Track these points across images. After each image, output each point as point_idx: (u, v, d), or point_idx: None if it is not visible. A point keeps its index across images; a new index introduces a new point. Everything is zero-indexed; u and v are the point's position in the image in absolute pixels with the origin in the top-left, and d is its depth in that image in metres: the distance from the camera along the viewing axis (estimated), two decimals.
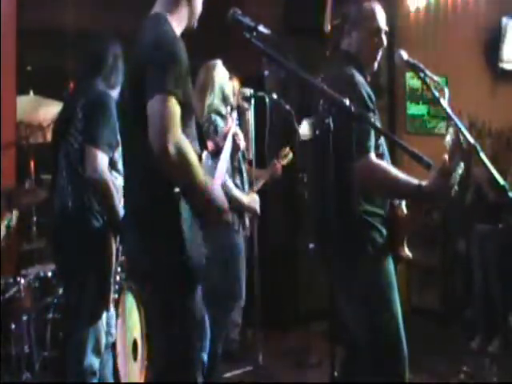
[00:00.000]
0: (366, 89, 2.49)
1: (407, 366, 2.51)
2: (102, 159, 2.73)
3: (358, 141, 2.35)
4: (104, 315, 2.88)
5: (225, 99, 3.66)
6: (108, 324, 3.01)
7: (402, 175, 2.42)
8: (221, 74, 3.69)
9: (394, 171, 2.42)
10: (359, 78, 2.52)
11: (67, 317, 3.03)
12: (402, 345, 2.50)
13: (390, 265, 2.53)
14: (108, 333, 3.03)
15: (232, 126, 2.86)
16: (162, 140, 1.96)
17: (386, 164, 2.47)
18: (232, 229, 3.59)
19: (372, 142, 2.41)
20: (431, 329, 5.16)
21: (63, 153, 2.89)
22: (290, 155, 4.70)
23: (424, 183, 2.36)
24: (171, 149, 1.96)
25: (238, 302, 3.72)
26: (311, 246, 2.72)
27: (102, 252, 2.81)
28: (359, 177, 2.38)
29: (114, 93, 2.99)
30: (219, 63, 3.74)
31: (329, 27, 4.44)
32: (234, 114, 2.96)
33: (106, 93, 2.90)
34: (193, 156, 2.03)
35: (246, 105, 4.05)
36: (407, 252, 2.58)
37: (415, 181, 2.41)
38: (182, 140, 2.00)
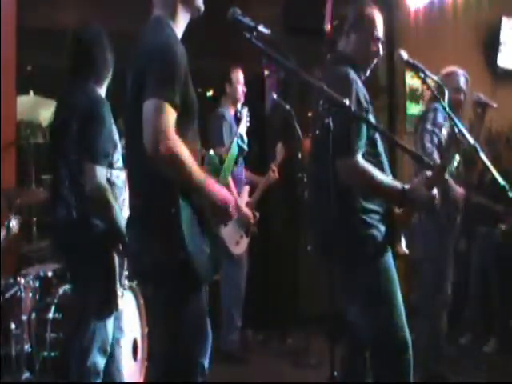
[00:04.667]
0: (360, 87, 2.50)
1: (412, 361, 2.52)
2: (100, 172, 2.72)
3: (346, 140, 2.38)
4: (112, 317, 2.89)
5: None
6: (118, 319, 3.02)
7: (385, 180, 2.47)
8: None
9: (378, 175, 2.47)
10: (354, 76, 2.52)
11: (73, 316, 3.02)
12: (406, 341, 2.51)
13: (391, 262, 2.54)
14: (118, 328, 3.05)
15: (243, 124, 2.76)
16: (154, 142, 1.98)
17: (370, 167, 2.48)
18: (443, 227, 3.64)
19: (361, 144, 2.44)
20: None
21: (63, 162, 2.87)
22: (283, 151, 4.76)
23: (408, 189, 2.43)
24: (163, 150, 1.98)
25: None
26: (310, 248, 2.73)
27: (105, 256, 2.81)
28: (342, 176, 2.41)
29: (103, 88, 2.97)
30: None
31: (328, 27, 4.45)
32: (245, 110, 2.84)
33: (98, 98, 2.87)
34: (187, 157, 2.04)
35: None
36: (404, 248, 2.61)
37: (399, 185, 2.47)
38: (174, 142, 2.01)
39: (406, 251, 2.61)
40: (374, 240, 2.48)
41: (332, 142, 2.11)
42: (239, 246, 4.62)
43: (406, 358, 2.51)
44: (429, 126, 3.65)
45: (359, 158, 2.43)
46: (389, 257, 2.54)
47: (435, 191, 2.42)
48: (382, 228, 2.51)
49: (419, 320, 3.71)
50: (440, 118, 3.68)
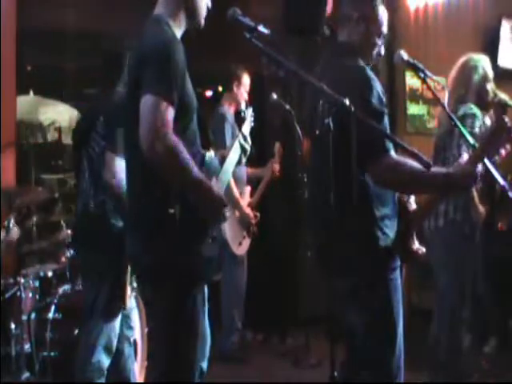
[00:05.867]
0: (378, 84, 2.40)
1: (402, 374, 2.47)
2: (120, 164, 2.76)
3: (377, 140, 2.26)
4: (119, 316, 2.90)
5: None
6: (128, 317, 3.06)
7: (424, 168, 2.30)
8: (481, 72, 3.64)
9: (417, 165, 2.28)
10: (370, 72, 2.42)
11: (83, 312, 3.05)
12: (400, 351, 2.46)
13: (397, 271, 2.47)
14: (128, 326, 3.08)
15: (247, 124, 2.75)
16: (150, 139, 1.98)
17: (407, 159, 2.34)
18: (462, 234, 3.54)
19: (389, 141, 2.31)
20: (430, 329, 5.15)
21: (86, 156, 2.95)
22: (281, 150, 4.76)
23: (450, 171, 2.32)
24: (158, 148, 1.97)
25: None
26: (309, 254, 2.67)
27: (119, 253, 2.83)
28: (383, 177, 2.30)
29: None
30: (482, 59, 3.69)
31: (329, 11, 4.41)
32: (250, 111, 2.82)
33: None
34: (183, 155, 2.03)
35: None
36: (418, 246, 2.51)
37: (441, 170, 2.37)
38: (171, 139, 2.00)
39: (423, 249, 2.50)
40: (386, 248, 2.37)
41: (358, 147, 2.02)
42: (242, 246, 4.63)
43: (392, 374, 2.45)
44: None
45: (393, 153, 2.32)
46: (396, 266, 2.45)
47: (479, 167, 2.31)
48: (392, 234, 2.40)
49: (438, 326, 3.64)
50: (477, 125, 3.42)
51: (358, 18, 2.50)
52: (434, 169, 2.33)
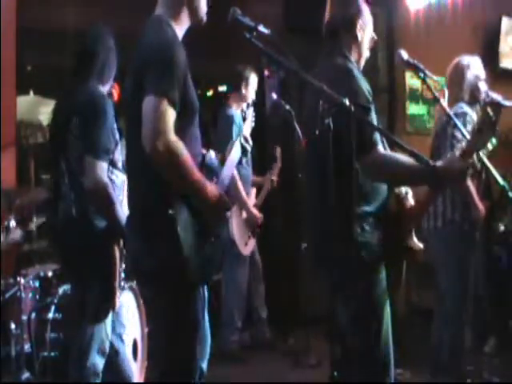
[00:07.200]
0: (364, 83, 2.45)
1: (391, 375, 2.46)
2: (100, 168, 2.71)
3: (364, 136, 2.27)
4: (109, 317, 2.89)
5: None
6: (118, 314, 3.04)
7: (412, 161, 2.31)
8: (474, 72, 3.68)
9: (405, 158, 2.34)
10: (357, 71, 2.47)
11: (73, 317, 3.04)
12: (388, 357, 2.45)
13: (383, 271, 2.46)
14: (120, 323, 3.08)
15: (248, 124, 2.75)
16: (152, 140, 1.99)
17: (392, 154, 2.41)
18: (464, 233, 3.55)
19: (377, 136, 2.35)
20: (431, 329, 5.15)
21: (64, 159, 2.88)
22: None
23: (437, 164, 2.30)
24: (161, 149, 1.98)
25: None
26: (304, 245, 2.69)
27: (106, 255, 2.81)
28: (371, 171, 2.33)
29: (106, 88, 2.98)
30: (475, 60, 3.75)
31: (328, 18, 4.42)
32: (251, 111, 2.82)
33: (100, 95, 2.87)
34: (185, 156, 2.04)
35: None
36: (417, 242, 2.51)
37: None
38: (172, 140, 2.01)
39: (421, 245, 2.51)
40: (370, 247, 2.38)
41: (346, 143, 2.04)
42: (247, 246, 4.64)
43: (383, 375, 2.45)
44: (459, 135, 3.37)
45: (379, 148, 2.35)
46: (382, 266, 2.45)
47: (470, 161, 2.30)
48: (378, 234, 2.41)
49: (438, 324, 3.63)
50: (469, 124, 3.44)
51: (356, 28, 2.56)
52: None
